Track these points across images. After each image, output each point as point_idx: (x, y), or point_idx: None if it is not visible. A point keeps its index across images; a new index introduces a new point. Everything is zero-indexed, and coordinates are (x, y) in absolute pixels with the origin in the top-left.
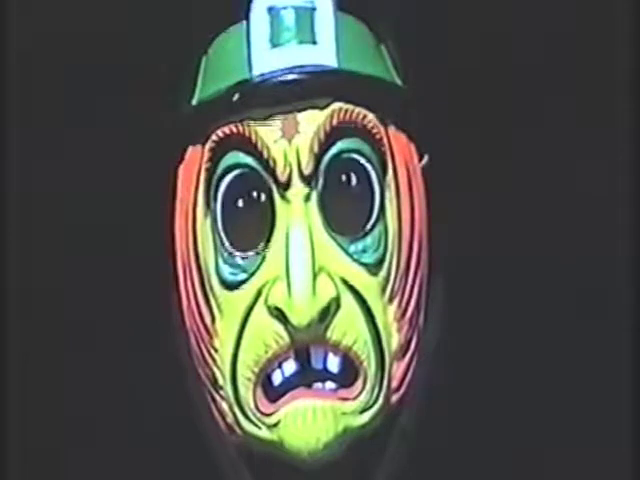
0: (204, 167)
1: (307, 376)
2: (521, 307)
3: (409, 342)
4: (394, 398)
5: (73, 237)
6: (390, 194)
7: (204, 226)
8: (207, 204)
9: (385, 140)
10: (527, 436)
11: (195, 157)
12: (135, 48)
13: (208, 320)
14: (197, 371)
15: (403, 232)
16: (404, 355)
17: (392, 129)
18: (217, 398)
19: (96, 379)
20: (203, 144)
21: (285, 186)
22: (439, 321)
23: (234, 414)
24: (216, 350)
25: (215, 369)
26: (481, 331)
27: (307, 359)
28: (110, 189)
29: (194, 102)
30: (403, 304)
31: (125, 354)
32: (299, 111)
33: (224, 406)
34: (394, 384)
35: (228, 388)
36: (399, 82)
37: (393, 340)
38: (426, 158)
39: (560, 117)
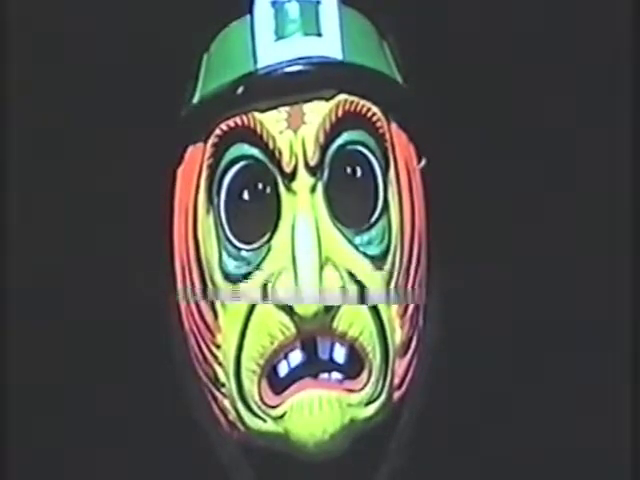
0: (206, 163)
1: (313, 366)
2: (520, 307)
3: (410, 340)
4: (396, 395)
5: (72, 237)
6: (392, 189)
7: (206, 222)
8: (209, 200)
9: (388, 135)
10: (527, 435)
11: (196, 156)
12: (135, 47)
13: (209, 318)
14: (197, 371)
15: (405, 229)
16: (405, 353)
17: (394, 126)
18: (218, 396)
19: (95, 379)
20: (205, 141)
21: (291, 177)
22: (437, 322)
23: (237, 410)
24: (218, 347)
25: (216, 366)
26: (480, 333)
27: (314, 349)
28: (110, 189)
29: (195, 100)
30: None
31: (124, 354)
32: (305, 102)
33: (226, 403)
34: (396, 381)
35: (231, 383)
36: (400, 79)
37: (396, 335)
38: (424, 161)
39: (561, 116)
